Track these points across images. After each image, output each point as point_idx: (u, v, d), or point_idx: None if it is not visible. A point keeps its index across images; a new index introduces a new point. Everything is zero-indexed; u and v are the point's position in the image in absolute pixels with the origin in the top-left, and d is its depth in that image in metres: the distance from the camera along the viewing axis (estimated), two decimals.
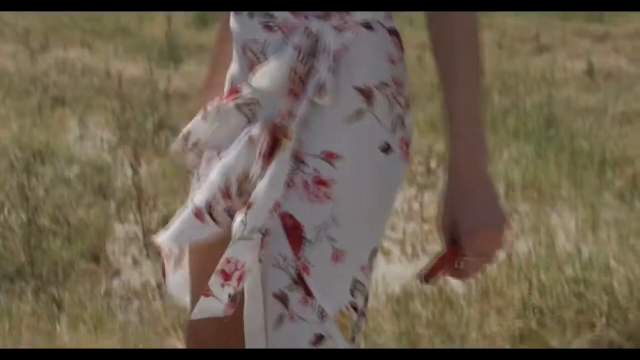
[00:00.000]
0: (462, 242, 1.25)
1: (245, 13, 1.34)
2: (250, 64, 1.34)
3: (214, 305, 1.33)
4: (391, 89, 1.34)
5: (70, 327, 2.74)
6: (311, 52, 1.29)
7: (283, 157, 1.29)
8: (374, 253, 1.37)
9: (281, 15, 1.31)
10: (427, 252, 3.41)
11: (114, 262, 3.29)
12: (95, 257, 3.29)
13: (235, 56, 1.41)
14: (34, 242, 3.26)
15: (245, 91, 1.36)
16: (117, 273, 3.22)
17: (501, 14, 9.17)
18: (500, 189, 3.89)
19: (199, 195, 1.37)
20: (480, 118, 1.27)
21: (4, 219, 3.51)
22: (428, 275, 1.29)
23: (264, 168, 1.31)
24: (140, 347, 2.63)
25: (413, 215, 3.77)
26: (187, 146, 1.49)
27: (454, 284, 2.96)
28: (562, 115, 5.30)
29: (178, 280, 1.54)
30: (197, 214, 1.36)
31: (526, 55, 7.52)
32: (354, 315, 1.34)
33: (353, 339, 1.36)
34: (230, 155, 1.35)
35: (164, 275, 1.54)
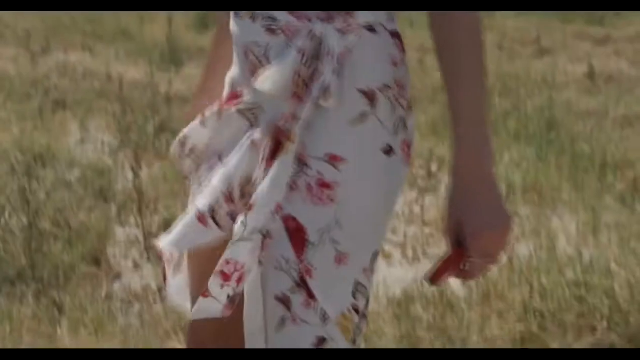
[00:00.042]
0: (468, 243, 1.26)
1: (247, 16, 1.34)
2: (252, 68, 1.34)
3: (213, 306, 1.33)
4: (394, 91, 1.34)
5: (71, 330, 2.74)
6: (315, 55, 1.29)
7: (286, 159, 1.29)
8: (375, 255, 1.37)
9: (284, 19, 1.31)
10: (428, 256, 3.41)
11: (114, 265, 3.29)
12: (96, 261, 3.29)
13: (235, 59, 1.41)
14: (35, 246, 3.26)
15: (247, 95, 1.36)
16: (118, 276, 3.21)
17: (502, 16, 9.17)
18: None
19: (202, 200, 1.37)
20: (484, 119, 1.27)
21: (5, 223, 3.51)
22: (434, 277, 1.30)
23: (266, 171, 1.31)
24: None
25: (414, 219, 3.77)
26: (183, 152, 1.49)
27: (455, 287, 2.96)
28: (563, 119, 5.30)
29: (178, 286, 1.54)
30: (201, 218, 1.36)
31: (527, 58, 7.53)
32: (356, 318, 1.34)
33: (354, 341, 1.36)
34: (233, 160, 1.36)
35: (164, 279, 1.54)
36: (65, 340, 2.69)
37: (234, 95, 1.39)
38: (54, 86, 6.29)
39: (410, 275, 3.14)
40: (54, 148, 4.65)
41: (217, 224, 1.36)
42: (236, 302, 1.33)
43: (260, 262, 1.31)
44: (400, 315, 2.80)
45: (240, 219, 1.30)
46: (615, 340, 2.64)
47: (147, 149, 4.60)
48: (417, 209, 3.83)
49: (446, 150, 4.60)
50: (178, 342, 2.66)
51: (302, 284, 1.30)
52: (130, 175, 3.87)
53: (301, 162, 1.30)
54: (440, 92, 5.85)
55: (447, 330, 2.72)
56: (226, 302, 1.32)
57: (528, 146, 4.73)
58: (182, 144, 1.50)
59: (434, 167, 4.33)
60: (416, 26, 7.45)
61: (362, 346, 1.70)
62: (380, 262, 2.79)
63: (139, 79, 6.39)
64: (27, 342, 2.68)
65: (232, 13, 1.40)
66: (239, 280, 1.31)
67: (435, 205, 3.88)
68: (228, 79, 1.46)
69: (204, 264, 1.42)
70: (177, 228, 1.40)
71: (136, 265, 3.30)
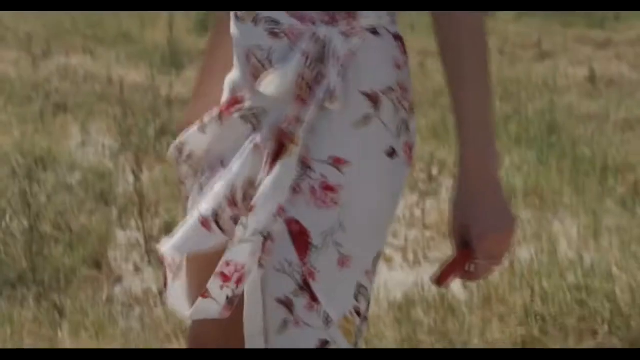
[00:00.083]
0: (473, 245, 1.26)
1: (249, 20, 1.34)
2: (254, 71, 1.34)
3: (212, 306, 1.33)
4: (397, 93, 1.34)
5: (72, 333, 2.74)
6: (319, 58, 1.29)
7: (289, 162, 1.29)
8: (377, 257, 1.37)
9: (287, 22, 1.31)
10: (429, 259, 3.41)
11: (115, 268, 3.29)
12: (97, 264, 3.29)
13: (236, 63, 1.41)
14: (35, 249, 3.26)
15: (249, 99, 1.36)
16: (118, 280, 3.21)
17: (503, 20, 9.18)
18: None
19: (205, 205, 1.37)
20: (489, 121, 1.27)
21: (5, 226, 3.51)
22: (440, 279, 1.30)
23: (269, 173, 1.31)
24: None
25: (415, 222, 3.77)
26: (180, 158, 1.49)
27: (456, 290, 2.96)
28: (564, 122, 5.30)
29: (176, 292, 1.54)
30: (204, 222, 1.36)
31: (528, 61, 7.53)
32: (357, 320, 1.34)
33: (356, 344, 1.36)
34: (235, 164, 1.36)
35: (165, 284, 1.54)
36: (66, 343, 2.69)
37: (235, 100, 1.39)
38: (55, 89, 6.29)
39: (411, 279, 3.14)
40: (55, 151, 4.66)
41: (220, 228, 1.36)
42: (235, 304, 1.33)
43: (261, 265, 1.31)
44: (401, 318, 2.80)
45: (241, 220, 1.30)
46: (617, 344, 2.64)
47: (148, 152, 4.61)
48: (418, 213, 3.83)
49: (447, 153, 4.60)
50: (178, 346, 2.66)
51: (305, 286, 1.30)
52: (131, 178, 3.87)
53: (305, 165, 1.30)
54: (441, 95, 5.85)
55: (448, 334, 2.72)
56: (225, 303, 1.32)
57: (529, 150, 4.73)
58: (179, 150, 1.50)
59: (434, 171, 4.33)
60: (417, 30, 7.46)
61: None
62: (381, 266, 2.78)
63: (140, 82, 6.40)
64: (28, 345, 2.68)
65: (232, 17, 1.40)
66: (239, 281, 1.31)
67: (436, 209, 3.88)
68: (228, 82, 1.46)
69: (203, 267, 1.42)
70: (180, 232, 1.40)
71: (137, 269, 3.30)
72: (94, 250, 3.36)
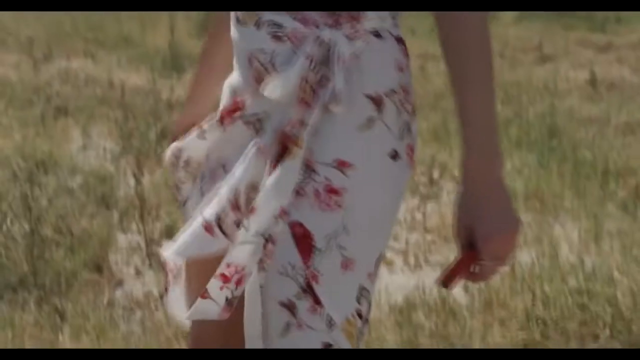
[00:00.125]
0: (478, 247, 1.26)
1: (251, 23, 1.34)
2: (257, 75, 1.34)
3: (211, 307, 1.33)
4: (399, 96, 1.34)
5: (73, 337, 2.74)
6: (323, 61, 1.29)
7: (292, 164, 1.29)
8: (379, 259, 1.37)
9: (290, 25, 1.31)
10: (429, 263, 3.40)
11: (116, 272, 3.29)
12: (98, 267, 3.29)
13: (237, 67, 1.41)
14: (36, 252, 3.26)
15: (251, 103, 1.36)
16: (119, 283, 3.21)
17: (503, 24, 9.19)
18: None
19: (208, 210, 1.37)
20: (493, 123, 1.27)
21: (6, 229, 3.51)
22: (446, 280, 1.31)
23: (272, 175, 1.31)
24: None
25: (416, 226, 3.77)
26: (178, 163, 1.49)
27: (457, 294, 2.96)
28: (564, 126, 5.30)
29: (176, 297, 1.54)
30: (207, 227, 1.36)
31: (529, 65, 7.53)
32: (359, 323, 1.35)
33: (357, 346, 1.36)
34: (238, 168, 1.36)
35: (166, 289, 1.54)
36: (67, 347, 2.69)
37: (236, 105, 1.39)
38: (56, 93, 6.30)
39: (412, 282, 3.13)
40: (56, 154, 4.66)
41: (223, 232, 1.36)
42: (234, 305, 1.33)
43: (263, 268, 1.31)
44: (402, 322, 2.80)
45: (242, 222, 1.30)
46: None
47: (149, 155, 4.60)
48: (418, 216, 3.83)
49: (448, 156, 4.60)
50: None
51: (308, 289, 1.30)
52: (132, 181, 3.87)
53: (308, 168, 1.31)
54: (441, 98, 5.86)
55: (449, 337, 2.72)
56: (224, 304, 1.33)
57: (530, 153, 4.73)
58: (176, 156, 1.50)
59: (435, 174, 4.33)
60: (417, 34, 7.46)
61: None
62: (382, 269, 2.79)
63: (141, 86, 6.40)
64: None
65: (232, 20, 1.40)
66: (239, 282, 1.31)
67: (437, 212, 3.88)
68: (227, 86, 1.45)
69: (202, 271, 1.42)
70: (183, 237, 1.40)
71: (138, 272, 3.30)
72: (95, 254, 3.36)
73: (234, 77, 1.43)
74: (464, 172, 1.28)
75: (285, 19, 1.31)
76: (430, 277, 3.19)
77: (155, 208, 3.80)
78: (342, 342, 1.32)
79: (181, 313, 1.55)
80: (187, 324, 1.61)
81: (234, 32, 1.39)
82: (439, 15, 1.29)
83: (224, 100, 1.46)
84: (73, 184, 4.22)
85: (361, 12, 1.31)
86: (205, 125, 1.44)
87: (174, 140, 1.57)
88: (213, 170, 1.45)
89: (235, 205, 1.35)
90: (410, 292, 3.03)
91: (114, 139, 5.04)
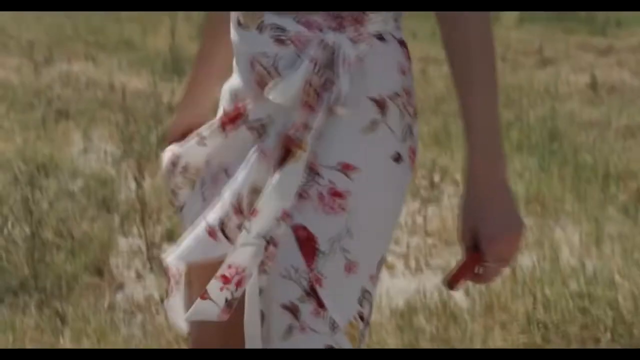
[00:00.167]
0: (483, 248, 1.27)
1: (253, 27, 1.34)
2: (260, 78, 1.34)
3: (210, 308, 1.33)
4: (402, 99, 1.35)
5: (74, 341, 2.73)
6: (327, 65, 1.29)
7: (295, 167, 1.29)
8: (381, 262, 1.38)
9: (294, 29, 1.31)
10: (430, 266, 3.40)
11: (117, 275, 3.29)
12: (99, 271, 3.28)
13: (238, 70, 1.40)
14: (37, 256, 3.26)
15: (254, 108, 1.36)
16: (120, 287, 3.21)
17: (505, 27, 9.19)
18: None
19: (212, 214, 1.37)
20: (496, 125, 1.28)
21: (7, 233, 3.51)
22: (451, 282, 1.31)
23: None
24: None
25: (417, 229, 3.77)
26: (175, 169, 1.49)
27: (458, 298, 2.96)
28: (565, 129, 5.30)
29: (176, 304, 1.54)
30: (211, 232, 1.36)
31: (530, 68, 7.53)
32: (361, 325, 1.35)
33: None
34: (241, 172, 1.36)
35: (167, 294, 1.54)
36: None
37: (238, 111, 1.39)
38: (57, 96, 6.30)
39: (412, 286, 3.13)
40: (57, 158, 4.66)
41: (226, 236, 1.36)
42: (233, 307, 1.33)
43: (264, 271, 1.31)
44: (403, 326, 2.80)
45: (244, 224, 1.30)
46: None
47: (149, 158, 4.60)
48: (419, 220, 3.83)
49: (449, 160, 4.60)
50: None
51: (311, 292, 1.30)
52: (133, 185, 3.87)
53: (312, 172, 1.31)
54: (442, 102, 5.86)
55: (450, 341, 2.72)
56: (224, 305, 1.32)
57: (530, 156, 4.73)
58: (174, 163, 1.50)
59: (436, 178, 4.33)
60: (419, 37, 7.46)
61: None
62: (383, 273, 2.79)
63: (142, 89, 6.40)
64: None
65: (233, 24, 1.40)
66: (239, 283, 1.31)
67: (437, 216, 3.88)
68: (227, 90, 1.45)
69: (203, 275, 1.42)
70: (186, 242, 1.40)
71: (139, 276, 3.30)
72: (96, 257, 3.36)
73: (234, 81, 1.42)
74: (468, 174, 1.28)
75: (289, 22, 1.31)
76: (431, 280, 3.19)
77: (156, 211, 3.79)
78: (345, 345, 1.32)
79: (180, 322, 1.55)
80: (186, 331, 1.61)
81: (234, 35, 1.39)
82: (440, 16, 1.29)
83: (224, 104, 1.45)
84: (74, 187, 4.22)
85: (365, 16, 1.32)
86: (205, 132, 1.44)
87: (170, 143, 1.57)
88: (214, 176, 1.45)
89: (238, 210, 1.35)
90: (411, 295, 3.03)
91: (114, 142, 5.04)
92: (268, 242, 1.30)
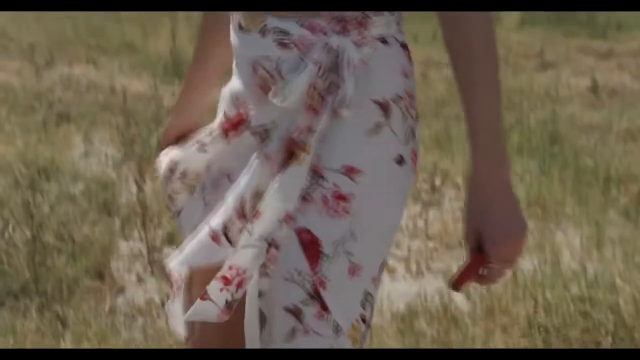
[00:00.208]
0: (487, 250, 1.27)
1: (255, 31, 1.34)
2: (262, 82, 1.34)
3: (210, 309, 1.33)
4: (405, 101, 1.35)
5: (75, 344, 2.73)
6: (331, 68, 1.30)
7: (298, 170, 1.29)
8: (383, 264, 1.38)
9: (297, 32, 1.31)
10: (431, 270, 3.40)
11: (118, 279, 3.29)
12: (100, 274, 3.28)
13: (239, 74, 1.40)
14: (38, 259, 3.26)
15: (257, 114, 1.36)
16: (121, 290, 3.21)
17: (506, 29, 9.19)
18: None
19: (215, 219, 1.37)
20: (499, 127, 1.28)
21: (8, 236, 3.51)
22: (456, 283, 1.32)
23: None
24: None
25: (418, 233, 3.77)
26: (173, 175, 1.49)
27: (459, 301, 2.96)
28: (566, 132, 5.30)
29: (175, 309, 1.54)
30: (214, 237, 1.36)
31: (530, 71, 7.53)
32: (363, 327, 1.35)
33: None
34: (244, 176, 1.36)
35: (168, 298, 1.54)
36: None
37: (240, 117, 1.39)
38: (58, 99, 6.30)
39: (413, 290, 3.13)
40: (58, 161, 4.66)
41: (229, 241, 1.36)
42: (234, 308, 1.33)
43: (266, 274, 1.31)
44: (404, 329, 2.80)
45: (246, 226, 1.30)
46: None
47: (150, 161, 4.59)
48: (420, 223, 3.83)
49: (450, 163, 4.60)
50: None
51: (315, 295, 1.30)
52: (134, 188, 3.87)
53: (316, 175, 1.31)
54: (443, 105, 5.86)
55: (451, 344, 2.72)
56: (224, 307, 1.32)
57: (531, 160, 4.72)
58: (172, 169, 1.50)
59: (437, 181, 4.33)
60: (420, 40, 7.46)
61: None
62: (384, 277, 2.79)
63: (143, 92, 6.40)
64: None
65: (234, 28, 1.39)
66: (239, 285, 1.31)
67: (439, 219, 3.88)
68: (227, 93, 1.44)
69: (205, 278, 1.42)
70: (189, 247, 1.40)
71: (140, 279, 3.30)
72: (97, 261, 3.36)
73: (235, 84, 1.42)
74: (472, 176, 1.28)
75: (292, 26, 1.31)
76: (432, 284, 3.19)
77: (157, 215, 3.79)
78: (348, 348, 1.32)
79: (179, 327, 1.55)
80: (184, 337, 1.61)
81: (234, 38, 1.39)
82: (443, 17, 1.29)
83: (225, 108, 1.45)
84: (75, 191, 4.22)
85: (368, 19, 1.32)
86: (206, 139, 1.44)
87: (164, 147, 1.57)
88: (215, 181, 1.45)
89: (241, 214, 1.35)
90: (412, 299, 3.03)
91: (115, 146, 5.04)
92: (270, 245, 1.30)
